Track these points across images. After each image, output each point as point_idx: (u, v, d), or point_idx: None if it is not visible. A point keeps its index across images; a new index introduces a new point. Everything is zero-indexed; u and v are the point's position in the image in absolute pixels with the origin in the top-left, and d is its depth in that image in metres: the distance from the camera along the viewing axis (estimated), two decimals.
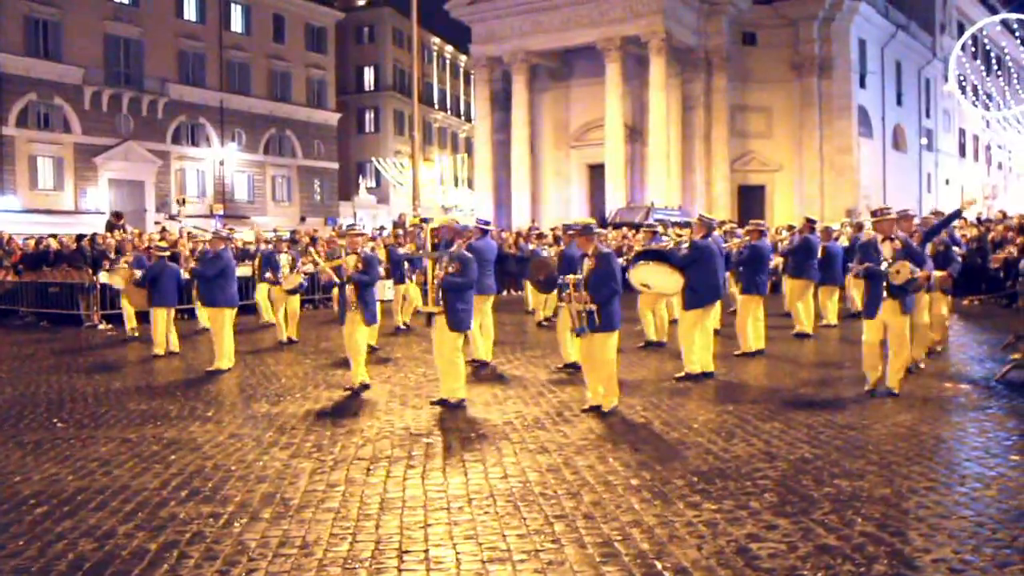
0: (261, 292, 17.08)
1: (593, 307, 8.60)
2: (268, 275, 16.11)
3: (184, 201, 14.40)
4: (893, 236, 9.45)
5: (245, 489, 6.44)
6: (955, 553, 4.92)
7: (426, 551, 5.15)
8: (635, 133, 42.61)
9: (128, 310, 15.89)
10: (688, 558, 4.93)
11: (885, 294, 9.26)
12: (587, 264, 8.83)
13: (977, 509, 5.67)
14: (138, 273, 14.31)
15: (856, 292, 15.54)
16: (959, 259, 12.25)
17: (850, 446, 7.32)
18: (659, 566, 4.82)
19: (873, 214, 9.74)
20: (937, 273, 10.37)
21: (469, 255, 9.53)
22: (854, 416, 8.46)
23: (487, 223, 13.69)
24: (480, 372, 11.81)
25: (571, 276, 8.82)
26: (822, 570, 4.70)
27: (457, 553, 5.11)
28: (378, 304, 11.10)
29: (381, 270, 13.80)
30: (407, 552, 5.14)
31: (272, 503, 6.09)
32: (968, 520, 5.46)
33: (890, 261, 9.20)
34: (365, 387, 10.50)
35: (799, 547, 5.04)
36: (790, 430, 7.97)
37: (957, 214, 11.17)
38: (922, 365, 11.03)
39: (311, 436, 8.15)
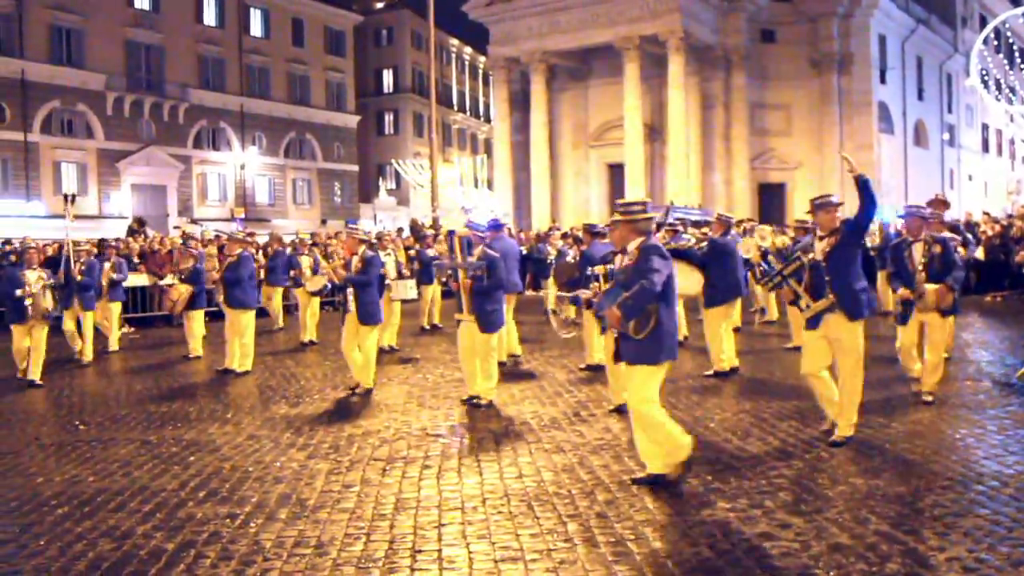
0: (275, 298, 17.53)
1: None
2: (291, 277, 16.24)
3: (73, 198, 13.92)
4: (626, 249, 6.40)
5: (262, 490, 6.50)
6: (970, 552, 4.89)
7: (439, 551, 5.19)
8: (654, 132, 42.51)
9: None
10: (700, 557, 4.93)
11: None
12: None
13: (994, 507, 5.63)
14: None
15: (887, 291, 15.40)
16: (962, 265, 9.16)
17: (866, 444, 7.28)
18: (671, 565, 4.83)
19: (626, 208, 6.40)
20: (930, 287, 8.53)
21: (495, 255, 9.57)
22: (872, 414, 8.39)
23: (500, 223, 13.84)
24: (527, 366, 12.26)
25: (600, 267, 8.63)
26: (835, 569, 4.69)
27: (470, 553, 5.14)
28: (382, 304, 11.13)
29: (392, 271, 13.91)
30: (420, 552, 5.17)
31: (288, 503, 6.14)
32: (984, 519, 5.43)
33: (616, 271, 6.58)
34: (368, 391, 10.48)
35: (812, 546, 5.04)
36: (806, 428, 7.95)
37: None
38: (927, 398, 8.88)
39: (328, 437, 8.20)
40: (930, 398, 8.83)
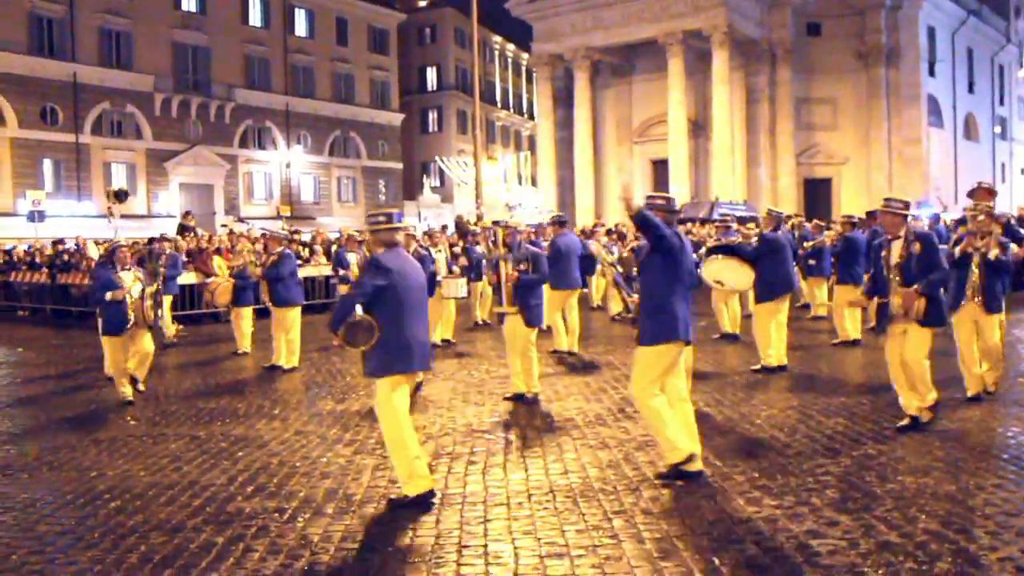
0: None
1: None
2: (340, 273, 16.37)
3: (124, 195, 12.39)
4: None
5: (309, 485, 6.57)
6: (1023, 552, 4.81)
7: (485, 546, 5.21)
8: (699, 127, 42.26)
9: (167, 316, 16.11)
10: (747, 554, 4.91)
11: None
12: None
13: None
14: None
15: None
16: (944, 268, 7.59)
17: (916, 442, 7.19)
18: (717, 562, 4.81)
19: (371, 219, 6.48)
20: (899, 292, 7.35)
21: (540, 251, 9.61)
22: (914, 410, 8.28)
23: (564, 218, 14.07)
24: (567, 362, 12.31)
25: None
26: (883, 567, 4.64)
27: (516, 548, 5.15)
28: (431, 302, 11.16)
29: (443, 268, 13.96)
30: (466, 547, 5.20)
31: (335, 498, 6.21)
32: None
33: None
34: (418, 386, 10.50)
35: (860, 544, 4.99)
36: (855, 426, 7.86)
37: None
38: (903, 421, 7.67)
39: (374, 433, 8.24)
40: (905, 421, 7.59)
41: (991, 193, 9.46)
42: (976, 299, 8.39)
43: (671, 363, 6.37)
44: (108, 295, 10.10)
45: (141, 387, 10.64)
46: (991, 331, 8.56)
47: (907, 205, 7.81)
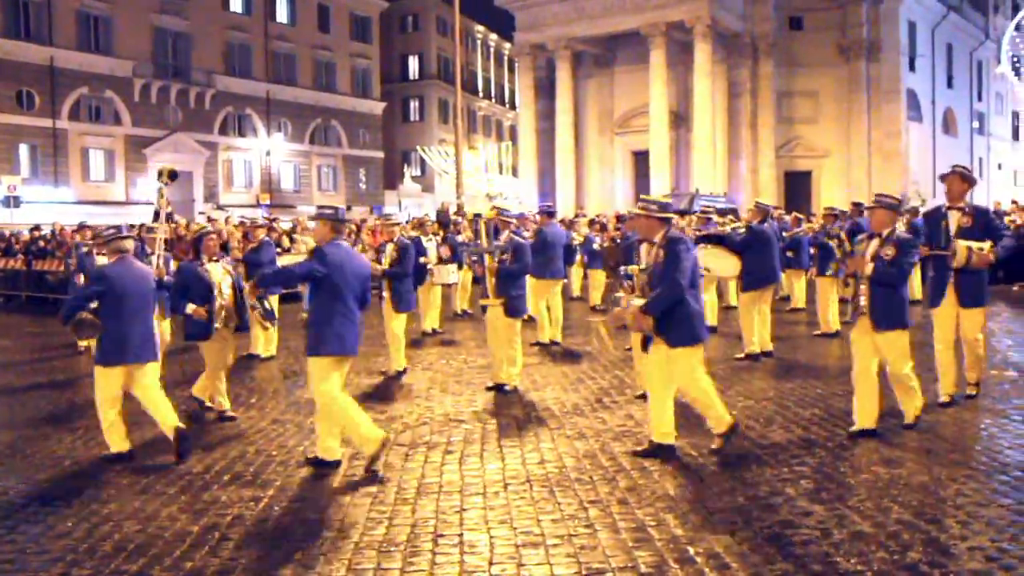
0: None
1: None
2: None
3: (174, 175, 10.89)
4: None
5: (285, 474, 6.56)
6: (992, 541, 4.87)
7: (461, 535, 5.22)
8: (680, 119, 42.29)
9: None
10: (721, 543, 4.94)
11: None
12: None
13: (1017, 497, 5.60)
14: None
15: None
16: (675, 286, 6.53)
17: (890, 433, 7.24)
18: (692, 551, 4.84)
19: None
20: (634, 303, 6.64)
21: (523, 242, 9.63)
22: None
23: (551, 208, 14.10)
24: (551, 352, 12.31)
25: (634, 267, 8.48)
26: (856, 557, 4.69)
27: (491, 537, 5.17)
28: (413, 293, 11.20)
29: (434, 256, 13.92)
30: (442, 536, 5.21)
31: (311, 487, 6.19)
32: (1007, 508, 5.40)
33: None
34: (401, 373, 10.60)
35: (833, 534, 5.03)
36: (830, 417, 7.91)
37: None
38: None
39: None
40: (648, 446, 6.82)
41: (965, 179, 8.36)
42: (863, 314, 7.09)
43: (335, 370, 6.68)
44: (189, 309, 8.28)
45: (208, 402, 8.79)
46: (891, 351, 7.12)
47: (664, 207, 6.85)
